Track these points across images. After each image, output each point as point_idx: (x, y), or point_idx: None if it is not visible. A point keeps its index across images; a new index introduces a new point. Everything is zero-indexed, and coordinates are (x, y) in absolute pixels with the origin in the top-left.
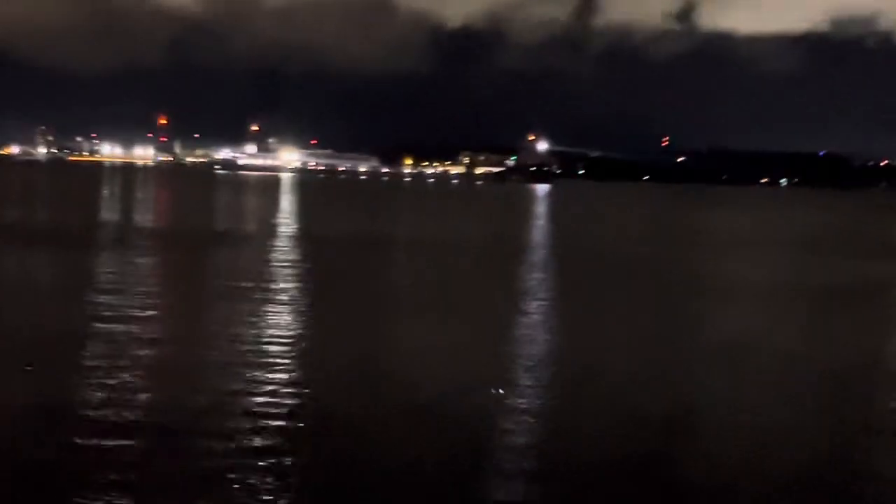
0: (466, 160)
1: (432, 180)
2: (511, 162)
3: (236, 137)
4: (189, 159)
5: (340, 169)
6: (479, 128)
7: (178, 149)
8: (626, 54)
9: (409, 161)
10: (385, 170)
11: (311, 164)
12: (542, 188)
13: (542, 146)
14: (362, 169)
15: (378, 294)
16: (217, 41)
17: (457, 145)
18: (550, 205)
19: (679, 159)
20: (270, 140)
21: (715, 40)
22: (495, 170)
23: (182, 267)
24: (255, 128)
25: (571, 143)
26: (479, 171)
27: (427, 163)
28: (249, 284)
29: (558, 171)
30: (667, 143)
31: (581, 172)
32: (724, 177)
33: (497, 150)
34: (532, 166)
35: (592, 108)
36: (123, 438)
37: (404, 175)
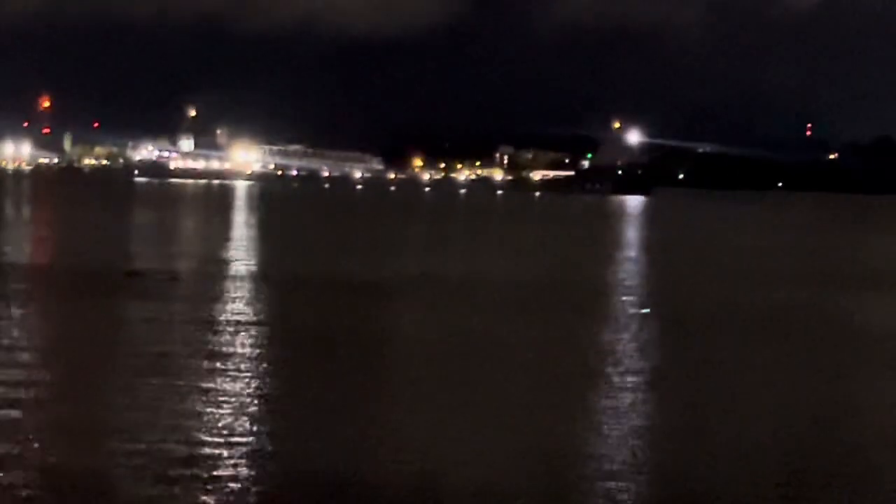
0: (505, 158)
1: (464, 190)
2: (586, 162)
3: (163, 127)
4: (87, 160)
5: (325, 173)
6: (522, 112)
7: (68, 145)
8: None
9: (418, 162)
10: (392, 175)
11: (279, 165)
12: (635, 201)
13: (633, 138)
14: (358, 174)
15: (376, 379)
16: None
17: (490, 138)
18: (661, 229)
19: (830, 156)
20: (217, 131)
21: None
22: (559, 174)
23: (70, 326)
24: (192, 113)
25: (671, 133)
26: (537, 176)
27: (444, 163)
28: (172, 359)
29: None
30: (811, 132)
31: (681, 177)
32: None
33: (551, 145)
34: (618, 168)
35: (701, 82)
36: None
37: (422, 181)
